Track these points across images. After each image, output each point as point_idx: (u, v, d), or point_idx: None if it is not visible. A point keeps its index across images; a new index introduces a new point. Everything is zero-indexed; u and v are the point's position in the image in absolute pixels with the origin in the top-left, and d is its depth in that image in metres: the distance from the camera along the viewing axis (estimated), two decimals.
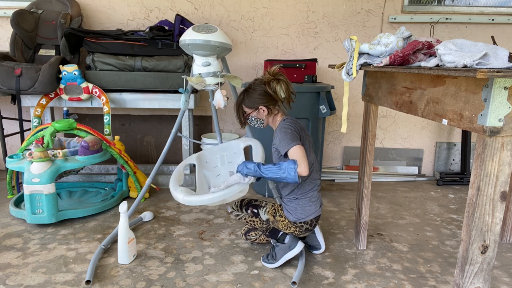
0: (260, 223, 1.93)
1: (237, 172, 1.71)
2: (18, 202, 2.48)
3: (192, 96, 2.77)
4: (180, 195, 1.73)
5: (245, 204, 1.93)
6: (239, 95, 1.85)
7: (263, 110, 1.81)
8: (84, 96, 2.70)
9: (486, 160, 1.12)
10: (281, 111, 1.87)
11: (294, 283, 1.66)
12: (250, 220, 1.94)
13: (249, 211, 1.91)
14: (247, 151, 2.82)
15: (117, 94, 2.78)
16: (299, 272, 1.75)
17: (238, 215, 1.96)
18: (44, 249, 1.99)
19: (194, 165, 2.09)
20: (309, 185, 1.81)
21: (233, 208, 1.96)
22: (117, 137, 2.70)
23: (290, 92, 1.80)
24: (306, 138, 1.81)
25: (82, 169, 2.86)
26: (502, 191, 1.15)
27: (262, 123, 1.87)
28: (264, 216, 1.88)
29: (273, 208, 1.87)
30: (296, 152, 1.65)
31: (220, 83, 1.83)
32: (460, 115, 1.21)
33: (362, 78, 3.26)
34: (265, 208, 1.88)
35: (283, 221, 1.84)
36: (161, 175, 3.00)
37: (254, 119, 1.85)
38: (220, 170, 2.15)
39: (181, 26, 2.84)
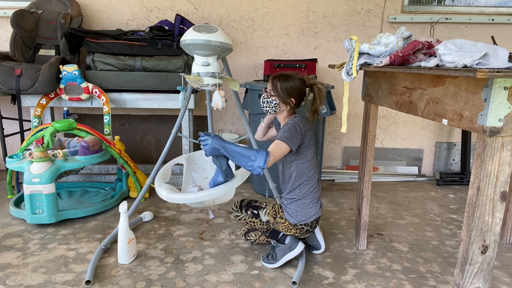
0: (260, 224, 1.92)
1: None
2: (18, 202, 2.48)
3: (192, 96, 2.77)
4: (163, 191, 1.76)
5: (245, 204, 1.92)
6: (276, 76, 1.81)
7: (288, 103, 1.79)
8: (84, 96, 2.70)
9: (486, 160, 1.12)
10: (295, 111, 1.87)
11: (294, 283, 1.66)
12: (250, 221, 1.94)
13: (249, 212, 1.91)
14: None
15: (117, 94, 2.78)
16: (299, 272, 1.75)
17: (237, 216, 1.96)
18: (44, 249, 1.99)
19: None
20: (310, 186, 1.80)
21: (232, 209, 1.96)
22: (117, 137, 2.70)
23: (318, 105, 1.82)
24: (311, 139, 1.81)
25: (82, 169, 2.86)
26: (502, 191, 1.15)
27: (275, 111, 1.81)
28: (264, 218, 1.88)
29: (273, 209, 1.87)
30: (280, 148, 1.66)
31: (218, 84, 1.83)
32: (460, 115, 1.21)
33: (362, 78, 3.26)
34: (265, 210, 1.88)
35: (283, 223, 1.83)
36: None
37: (273, 103, 1.79)
38: (208, 173, 2.15)
39: (181, 26, 2.84)
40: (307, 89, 1.84)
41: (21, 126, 2.74)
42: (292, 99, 1.79)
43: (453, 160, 3.44)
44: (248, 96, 2.82)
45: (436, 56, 1.35)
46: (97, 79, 2.73)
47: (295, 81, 1.79)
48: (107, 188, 2.82)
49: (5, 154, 2.82)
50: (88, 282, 1.66)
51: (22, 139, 2.74)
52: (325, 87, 1.83)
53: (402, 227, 2.35)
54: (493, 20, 3.13)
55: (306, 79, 1.84)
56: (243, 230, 2.06)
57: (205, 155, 1.65)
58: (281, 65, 2.89)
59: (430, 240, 2.19)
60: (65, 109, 2.74)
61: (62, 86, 2.67)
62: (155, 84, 2.76)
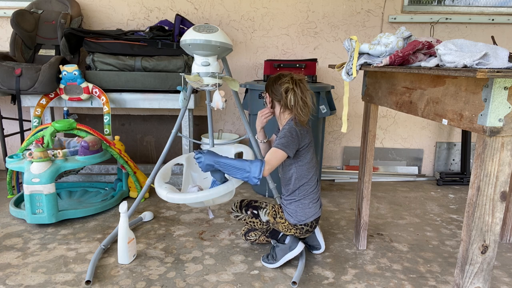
0: (260, 224, 1.92)
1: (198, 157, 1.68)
2: (18, 202, 2.48)
3: (192, 96, 2.77)
4: (163, 191, 1.76)
5: (245, 205, 1.92)
6: (272, 77, 1.82)
7: (276, 103, 1.80)
8: (84, 96, 2.70)
9: (486, 160, 1.12)
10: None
11: (294, 283, 1.66)
12: (250, 221, 1.94)
13: (249, 212, 1.91)
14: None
15: (117, 94, 2.78)
16: (299, 272, 1.75)
17: (237, 216, 1.96)
18: (44, 249, 1.99)
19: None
20: (310, 187, 1.80)
21: (232, 209, 1.96)
22: (117, 137, 2.70)
23: (301, 105, 1.74)
24: (309, 141, 1.79)
25: (82, 169, 2.86)
26: (502, 191, 1.15)
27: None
28: (264, 218, 1.88)
29: (273, 209, 1.87)
30: (276, 156, 1.65)
31: (218, 84, 1.83)
32: (460, 115, 1.21)
33: (362, 78, 3.26)
34: (265, 210, 1.88)
35: (283, 223, 1.83)
36: None
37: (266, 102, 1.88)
38: (208, 173, 2.15)
39: (181, 26, 2.84)
40: (292, 89, 1.74)
41: (21, 126, 2.74)
42: (276, 101, 1.81)
43: (453, 160, 3.44)
44: (248, 96, 2.82)
45: (436, 56, 1.35)
46: (97, 79, 2.73)
47: (282, 84, 1.75)
48: (107, 188, 2.82)
49: (5, 154, 2.82)
50: (88, 282, 1.66)
51: (22, 139, 2.74)
52: (309, 87, 1.79)
53: (402, 227, 2.35)
54: (493, 20, 3.13)
55: (293, 77, 1.76)
56: (243, 230, 2.06)
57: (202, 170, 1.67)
58: (281, 65, 2.89)
59: (430, 240, 2.19)
60: (65, 109, 2.74)
61: (62, 86, 2.67)
62: (155, 84, 2.76)
